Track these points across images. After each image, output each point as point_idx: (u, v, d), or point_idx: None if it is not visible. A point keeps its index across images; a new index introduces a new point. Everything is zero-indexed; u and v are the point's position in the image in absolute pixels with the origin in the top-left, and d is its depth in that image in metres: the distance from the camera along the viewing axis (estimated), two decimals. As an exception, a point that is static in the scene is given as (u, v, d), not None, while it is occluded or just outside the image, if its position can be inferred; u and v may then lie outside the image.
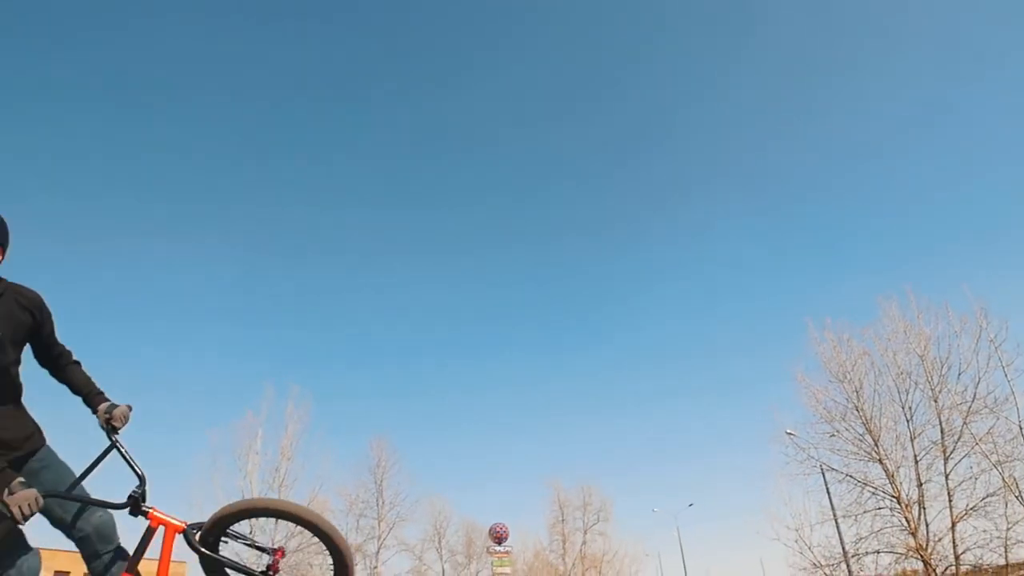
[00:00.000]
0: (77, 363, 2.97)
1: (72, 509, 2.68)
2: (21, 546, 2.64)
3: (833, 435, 20.43)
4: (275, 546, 2.89)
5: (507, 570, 30.06)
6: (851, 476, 20.00)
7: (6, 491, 2.37)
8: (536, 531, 45.97)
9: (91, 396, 2.88)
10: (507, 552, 30.57)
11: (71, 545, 2.76)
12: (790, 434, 21.69)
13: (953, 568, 17.16)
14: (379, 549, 27.96)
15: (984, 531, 17.21)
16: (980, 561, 17.17)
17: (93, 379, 2.96)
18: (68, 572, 54.98)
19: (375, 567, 27.39)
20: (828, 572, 19.78)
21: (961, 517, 17.42)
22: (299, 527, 2.82)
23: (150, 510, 2.67)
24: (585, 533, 31.02)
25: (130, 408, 2.88)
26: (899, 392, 19.17)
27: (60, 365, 2.92)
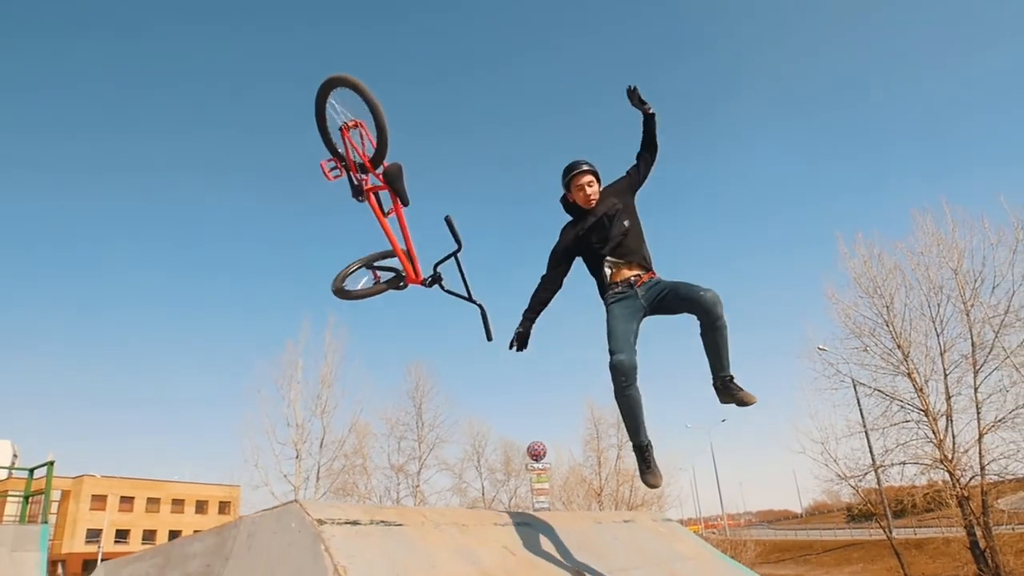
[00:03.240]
0: None
1: None
2: None
3: (865, 350, 20.27)
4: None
5: (545, 485, 31.39)
6: (879, 390, 19.91)
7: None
8: (571, 448, 47.66)
9: None
10: (545, 469, 31.82)
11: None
12: (821, 349, 21.57)
13: (978, 478, 17.22)
14: (420, 469, 29.36)
15: (1012, 443, 17.14)
16: (1005, 471, 17.19)
17: None
18: (132, 497, 59.62)
19: (417, 486, 28.88)
20: (853, 484, 20.10)
21: (989, 429, 17.31)
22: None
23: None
24: (619, 449, 31.87)
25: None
26: (930, 306, 18.71)
27: None
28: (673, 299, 3.40)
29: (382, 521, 3.07)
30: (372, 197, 3.90)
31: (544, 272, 3.76)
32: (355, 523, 2.93)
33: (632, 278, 3.53)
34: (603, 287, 3.62)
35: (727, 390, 3.30)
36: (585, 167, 3.67)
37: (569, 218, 3.80)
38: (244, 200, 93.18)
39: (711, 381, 3.39)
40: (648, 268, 3.60)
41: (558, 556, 3.69)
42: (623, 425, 3.53)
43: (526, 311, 3.71)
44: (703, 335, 3.34)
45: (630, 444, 3.48)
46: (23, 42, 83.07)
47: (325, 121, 3.76)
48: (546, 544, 3.76)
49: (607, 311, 3.50)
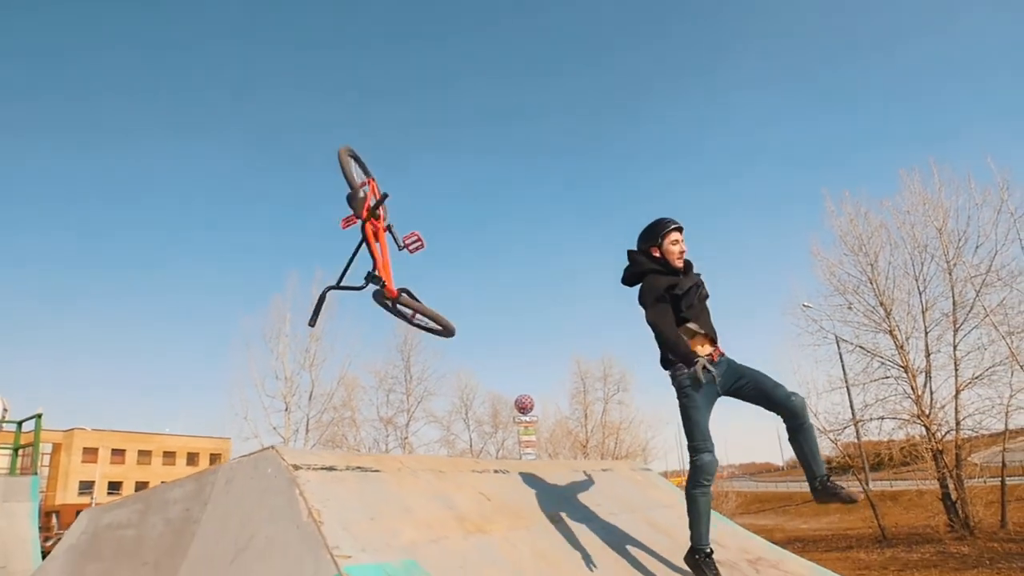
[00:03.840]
0: None
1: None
2: None
3: (849, 307, 20.52)
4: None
5: (533, 438, 31.88)
6: (861, 347, 20.26)
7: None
8: (557, 402, 48.27)
9: None
10: (533, 421, 32.34)
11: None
12: (806, 306, 21.80)
13: (953, 433, 17.67)
14: (408, 421, 29.76)
15: (987, 399, 17.54)
16: (979, 427, 17.63)
17: None
18: (124, 450, 60.00)
19: (405, 437, 29.30)
20: (833, 437, 20.56)
21: (966, 386, 17.68)
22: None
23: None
24: (605, 403, 32.44)
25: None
26: (914, 265, 18.91)
27: None
28: (753, 393, 3.37)
29: (358, 467, 3.12)
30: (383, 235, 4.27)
31: (656, 311, 3.44)
32: (331, 469, 2.97)
33: (709, 357, 3.37)
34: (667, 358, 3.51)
35: (828, 491, 3.26)
36: (678, 224, 3.66)
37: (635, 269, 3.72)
38: (228, 155, 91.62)
39: (809, 485, 3.36)
40: (716, 342, 3.55)
41: (535, 502, 3.77)
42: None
43: (684, 352, 3.33)
44: (792, 439, 3.33)
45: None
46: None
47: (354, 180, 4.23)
48: (523, 491, 3.84)
49: (686, 395, 3.36)
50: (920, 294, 18.76)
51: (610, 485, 4.83)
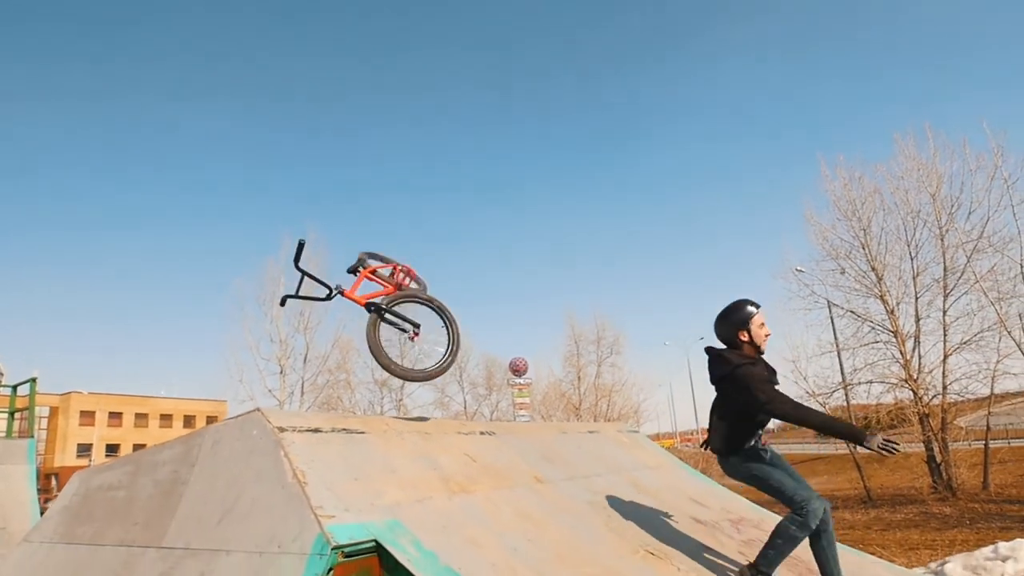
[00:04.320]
0: None
1: None
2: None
3: (842, 272, 20.61)
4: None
5: (527, 400, 32.29)
6: (852, 311, 20.41)
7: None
8: (551, 365, 48.57)
9: None
10: (527, 384, 32.68)
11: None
12: (799, 271, 21.88)
13: (940, 397, 17.93)
14: (403, 384, 29.99)
15: (974, 364, 17.77)
16: (966, 391, 17.88)
17: None
18: (120, 413, 60.25)
19: (400, 400, 29.56)
20: (821, 400, 20.83)
21: (954, 350, 17.89)
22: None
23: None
24: (599, 366, 32.69)
25: None
26: (906, 230, 18.95)
27: None
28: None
29: (344, 429, 3.15)
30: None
31: (781, 398, 3.31)
32: (316, 431, 3.00)
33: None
34: (747, 438, 3.54)
35: None
36: (759, 304, 3.63)
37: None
38: (221, 118, 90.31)
39: None
40: None
41: (520, 463, 3.83)
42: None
43: (850, 429, 3.33)
44: (814, 543, 3.38)
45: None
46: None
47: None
48: (508, 453, 3.90)
49: (757, 467, 3.47)
50: (912, 260, 18.85)
51: (596, 447, 4.91)
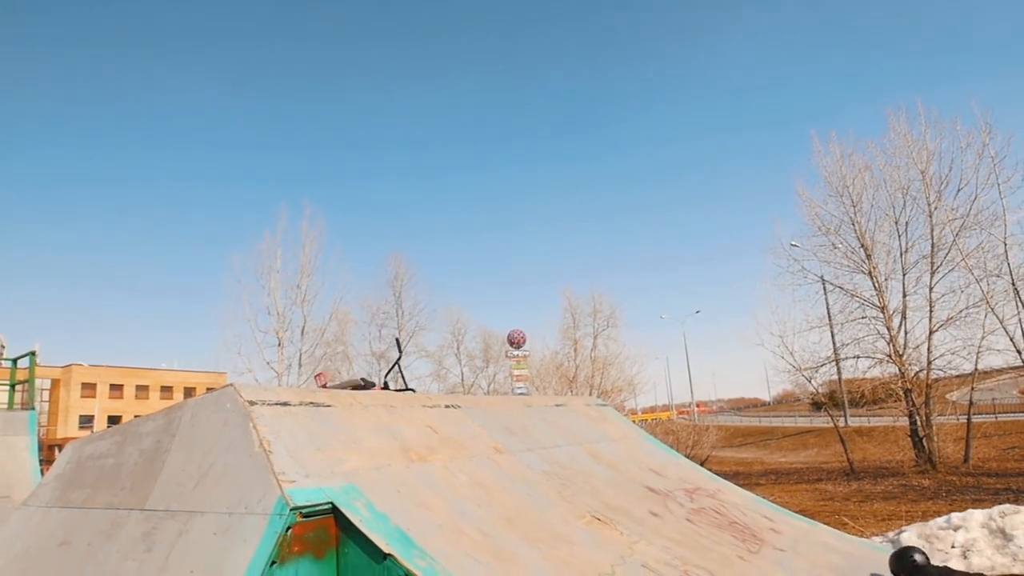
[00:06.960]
0: None
1: None
2: None
3: (833, 247, 20.81)
4: None
5: (524, 372, 32.62)
6: (840, 287, 20.69)
7: None
8: (547, 337, 48.95)
9: None
10: (524, 356, 33.03)
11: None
12: (794, 245, 22.06)
13: (924, 372, 18.27)
14: (399, 355, 30.28)
15: (959, 340, 18.09)
16: (950, 367, 18.23)
17: None
18: (121, 385, 60.83)
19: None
20: (808, 375, 21.21)
21: (940, 327, 18.19)
22: None
23: None
24: (595, 338, 33.02)
25: None
26: (895, 207, 19.17)
27: None
28: None
29: (311, 403, 3.42)
30: None
31: None
32: (285, 404, 3.27)
33: None
34: None
35: None
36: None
37: None
38: (215, 93, 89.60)
39: None
40: None
41: (481, 435, 4.11)
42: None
43: None
44: None
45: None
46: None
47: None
48: (471, 425, 4.17)
49: None
50: (900, 236, 19.07)
51: (561, 419, 5.19)
